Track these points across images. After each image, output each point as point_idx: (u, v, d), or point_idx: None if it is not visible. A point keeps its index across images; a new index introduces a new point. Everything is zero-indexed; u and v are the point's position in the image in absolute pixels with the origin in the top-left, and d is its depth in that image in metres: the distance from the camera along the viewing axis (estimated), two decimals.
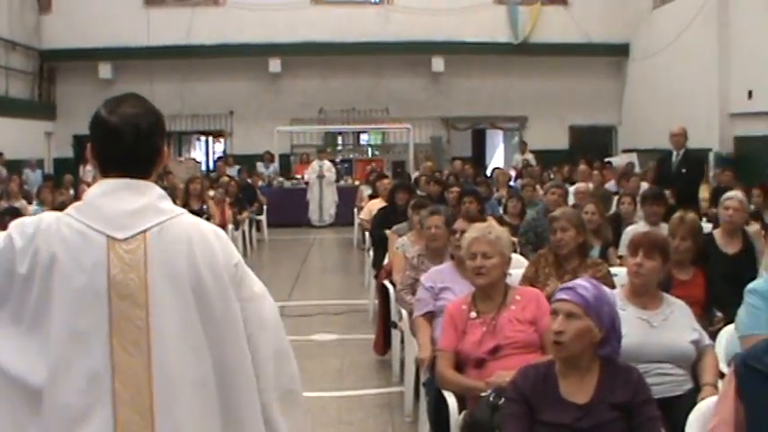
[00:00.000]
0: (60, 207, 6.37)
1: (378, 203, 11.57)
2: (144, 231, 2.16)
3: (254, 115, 22.99)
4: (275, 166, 20.87)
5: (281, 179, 20.13)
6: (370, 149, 24.96)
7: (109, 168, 2.23)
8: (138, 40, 22.22)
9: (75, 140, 23.23)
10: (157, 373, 2.08)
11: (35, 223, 2.14)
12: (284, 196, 18.91)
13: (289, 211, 18.28)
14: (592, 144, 22.78)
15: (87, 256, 2.10)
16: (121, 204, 2.16)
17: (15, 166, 18.22)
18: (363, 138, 24.89)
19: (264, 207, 16.65)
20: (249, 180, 17.81)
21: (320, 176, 18.81)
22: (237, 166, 19.43)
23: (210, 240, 2.25)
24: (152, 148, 2.26)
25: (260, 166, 20.57)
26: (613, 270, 5.49)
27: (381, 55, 22.38)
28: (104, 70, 22.97)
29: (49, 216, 2.18)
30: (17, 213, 10.46)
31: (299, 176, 20.29)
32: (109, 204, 2.16)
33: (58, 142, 23.39)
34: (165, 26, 22.36)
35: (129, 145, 2.20)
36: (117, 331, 2.08)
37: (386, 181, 12.87)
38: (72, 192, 14.02)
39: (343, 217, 17.64)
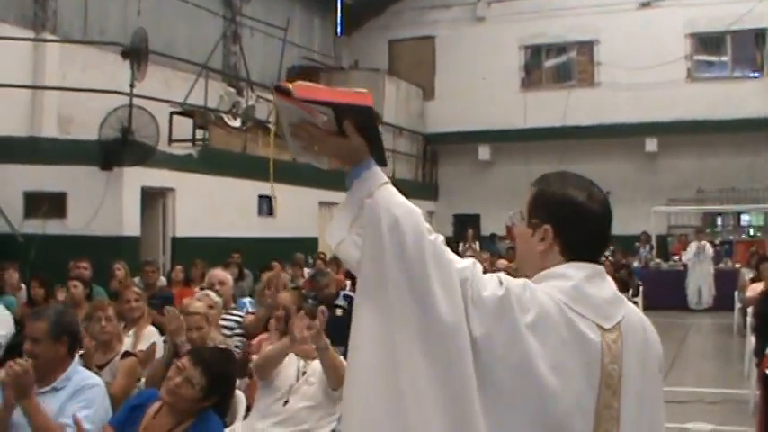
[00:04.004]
0: None
1: (760, 287, 11.07)
2: (620, 321, 2.14)
3: (631, 195, 22.76)
4: (652, 246, 20.57)
5: (657, 260, 19.80)
6: (751, 230, 23.83)
7: (579, 254, 2.15)
8: (515, 122, 23.19)
9: (455, 219, 24.53)
10: None
11: (535, 301, 2.03)
12: (661, 278, 18.57)
13: (665, 293, 17.88)
14: None
15: (583, 345, 2.06)
16: (601, 292, 2.13)
17: None
18: (744, 218, 23.78)
19: (641, 289, 16.46)
20: (624, 261, 17.71)
21: (699, 258, 18.26)
22: (612, 247, 19.41)
23: (652, 329, 2.29)
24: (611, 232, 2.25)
25: (636, 247, 20.39)
26: None
27: (763, 132, 21.38)
28: (483, 152, 24.16)
29: (546, 295, 2.05)
30: None
31: (676, 258, 19.83)
32: (592, 291, 2.11)
33: (440, 221, 24.74)
34: (541, 108, 23.10)
35: (607, 233, 2.22)
36: (600, 422, 2.07)
37: None
38: None
39: (723, 301, 16.89)
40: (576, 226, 2.16)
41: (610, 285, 2.16)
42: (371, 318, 1.99)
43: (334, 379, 4.88)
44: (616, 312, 2.13)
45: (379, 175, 2.08)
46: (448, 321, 1.93)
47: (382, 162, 2.12)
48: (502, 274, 2.05)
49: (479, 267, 2.02)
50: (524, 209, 2.25)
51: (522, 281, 2.05)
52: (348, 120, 2.06)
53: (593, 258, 2.17)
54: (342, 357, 5.12)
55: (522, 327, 1.96)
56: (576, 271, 2.12)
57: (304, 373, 5.10)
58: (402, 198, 2.05)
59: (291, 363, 5.13)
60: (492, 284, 1.99)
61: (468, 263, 2.02)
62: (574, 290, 2.08)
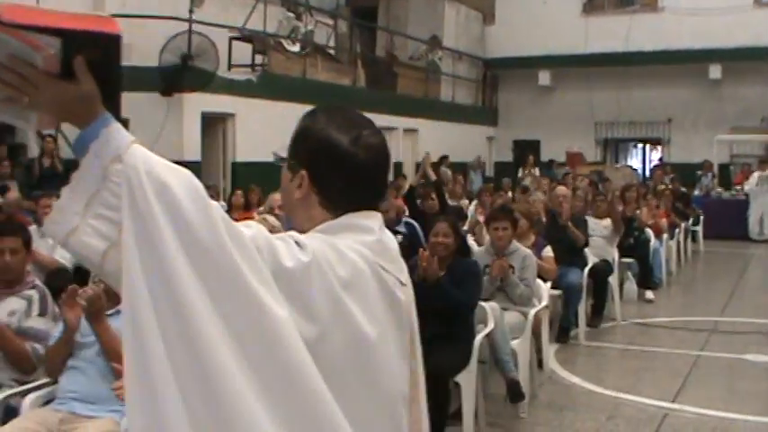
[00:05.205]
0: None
1: None
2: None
3: (693, 123, 22.47)
4: (714, 175, 20.26)
5: (719, 189, 19.52)
6: None
7: (339, 206, 1.80)
8: (576, 47, 22.81)
9: (514, 145, 24.46)
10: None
11: (346, 260, 1.68)
12: (722, 207, 18.32)
13: (726, 223, 17.65)
14: None
15: (395, 307, 1.79)
16: (393, 243, 1.86)
17: (460, 168, 19.56)
18: None
19: (701, 218, 16.27)
20: (684, 189, 17.49)
21: (761, 188, 17.93)
22: (672, 175, 19.18)
23: None
24: None
25: (699, 176, 20.11)
26: None
27: None
28: (544, 78, 23.90)
29: (355, 252, 1.71)
30: (459, 213, 11.35)
31: (738, 187, 19.54)
32: (389, 244, 1.85)
33: (499, 146, 24.77)
34: (602, 33, 22.70)
35: (378, 182, 1.87)
36: (412, 389, 1.85)
37: None
38: (510, 194, 14.68)
39: None
40: (331, 175, 1.79)
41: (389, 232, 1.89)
42: (154, 345, 1.44)
43: None
44: (403, 264, 1.87)
45: (123, 131, 1.52)
46: (279, 316, 1.51)
47: (117, 117, 1.54)
48: (293, 233, 1.69)
49: (265, 229, 1.62)
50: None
51: (321, 237, 1.70)
52: (80, 56, 1.46)
53: (376, 206, 1.86)
54: None
55: (340, 291, 1.63)
56: (373, 222, 1.82)
57: None
58: (161, 158, 1.51)
59: None
60: (291, 250, 1.60)
61: (254, 227, 1.62)
62: (378, 243, 1.78)
